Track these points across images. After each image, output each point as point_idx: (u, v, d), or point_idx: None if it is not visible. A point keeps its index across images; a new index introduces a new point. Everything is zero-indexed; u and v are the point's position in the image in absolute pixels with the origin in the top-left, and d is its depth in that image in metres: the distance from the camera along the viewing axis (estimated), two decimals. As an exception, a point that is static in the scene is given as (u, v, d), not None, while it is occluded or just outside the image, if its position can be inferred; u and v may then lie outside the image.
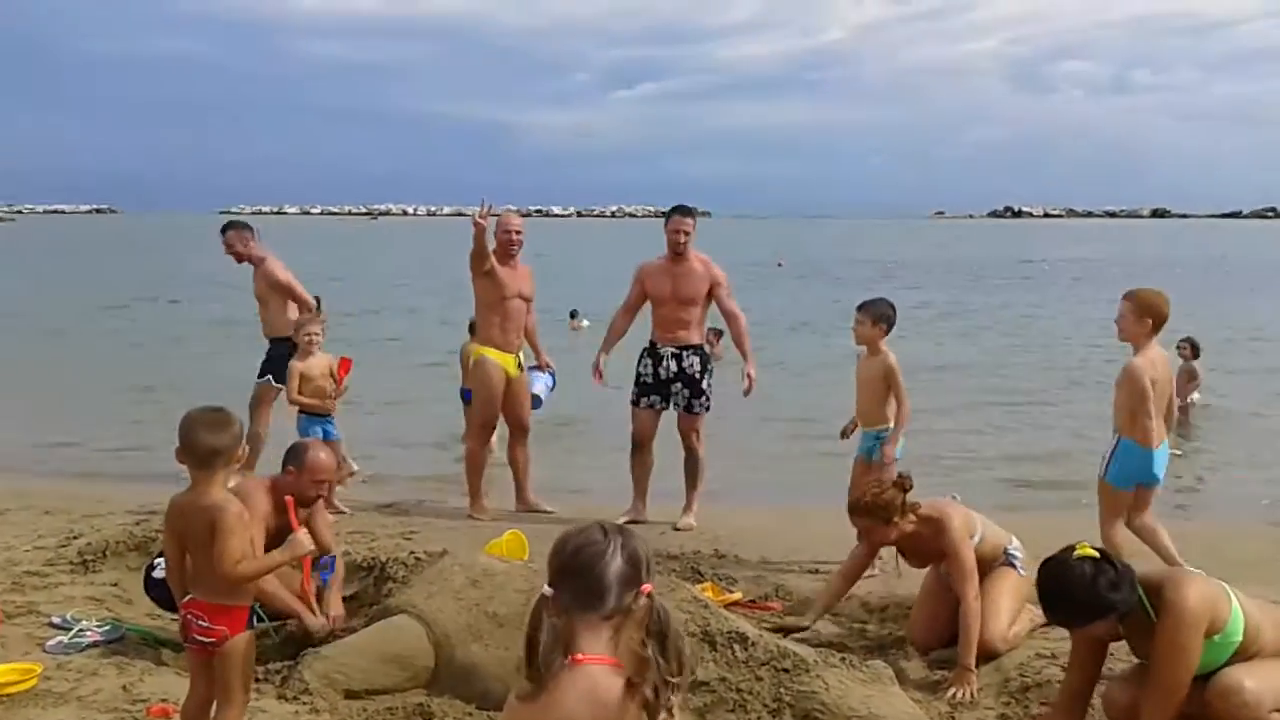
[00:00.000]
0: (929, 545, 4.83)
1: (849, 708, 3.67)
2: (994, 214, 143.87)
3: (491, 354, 7.16)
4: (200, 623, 3.37)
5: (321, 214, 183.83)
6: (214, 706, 3.44)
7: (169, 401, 11.76)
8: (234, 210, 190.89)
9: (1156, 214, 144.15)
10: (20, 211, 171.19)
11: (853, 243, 67.43)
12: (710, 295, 6.99)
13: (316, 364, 7.40)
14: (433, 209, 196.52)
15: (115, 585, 5.31)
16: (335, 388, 7.49)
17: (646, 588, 2.26)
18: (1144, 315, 5.48)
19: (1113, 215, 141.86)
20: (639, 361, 7.10)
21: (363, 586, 5.30)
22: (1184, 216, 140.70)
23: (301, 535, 3.67)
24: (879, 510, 4.80)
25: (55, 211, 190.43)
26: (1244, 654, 3.32)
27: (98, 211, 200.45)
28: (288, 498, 4.50)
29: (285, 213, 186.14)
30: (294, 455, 4.86)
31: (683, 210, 7.03)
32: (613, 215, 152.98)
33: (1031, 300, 28.16)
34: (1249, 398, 13.13)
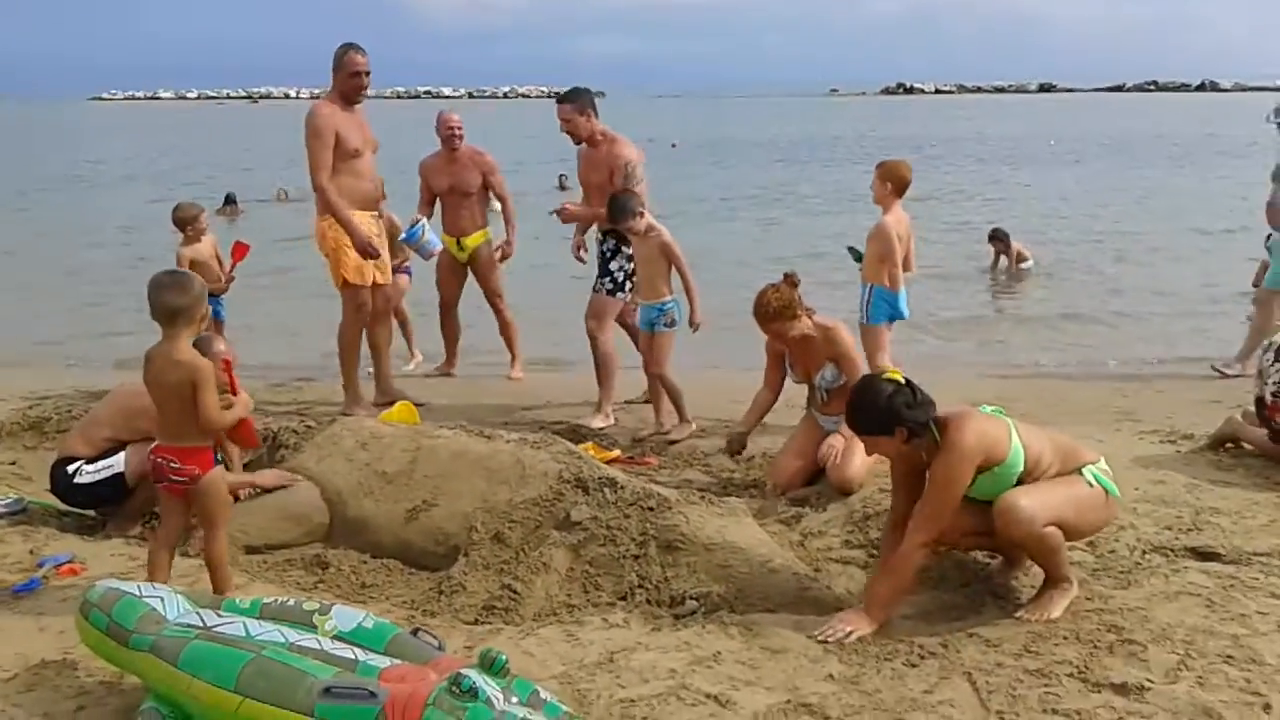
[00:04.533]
0: (819, 351, 5.42)
1: (706, 537, 4.10)
2: (887, 90, 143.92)
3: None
4: (172, 465, 3.70)
5: (199, 98, 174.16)
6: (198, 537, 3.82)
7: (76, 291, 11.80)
8: (105, 97, 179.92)
9: (1044, 88, 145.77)
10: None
11: (748, 123, 67.27)
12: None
13: (204, 248, 7.62)
14: (316, 92, 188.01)
15: (13, 464, 5.51)
16: (225, 270, 7.67)
17: None
18: (886, 180, 6.27)
19: (1001, 90, 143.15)
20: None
21: (256, 456, 5.54)
22: (1070, 91, 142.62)
23: (245, 396, 3.91)
24: (784, 309, 5.34)
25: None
26: (1029, 480, 3.75)
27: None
28: (224, 359, 4.31)
29: (160, 98, 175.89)
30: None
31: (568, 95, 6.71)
32: (505, 96, 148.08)
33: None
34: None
